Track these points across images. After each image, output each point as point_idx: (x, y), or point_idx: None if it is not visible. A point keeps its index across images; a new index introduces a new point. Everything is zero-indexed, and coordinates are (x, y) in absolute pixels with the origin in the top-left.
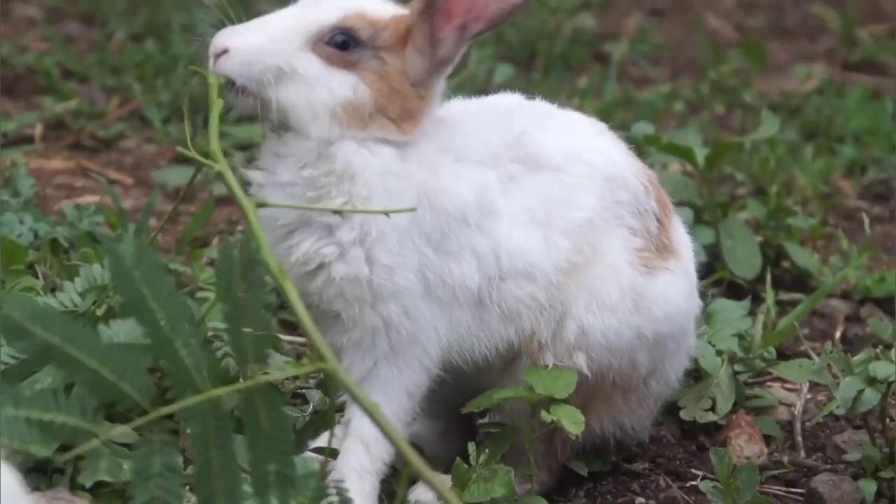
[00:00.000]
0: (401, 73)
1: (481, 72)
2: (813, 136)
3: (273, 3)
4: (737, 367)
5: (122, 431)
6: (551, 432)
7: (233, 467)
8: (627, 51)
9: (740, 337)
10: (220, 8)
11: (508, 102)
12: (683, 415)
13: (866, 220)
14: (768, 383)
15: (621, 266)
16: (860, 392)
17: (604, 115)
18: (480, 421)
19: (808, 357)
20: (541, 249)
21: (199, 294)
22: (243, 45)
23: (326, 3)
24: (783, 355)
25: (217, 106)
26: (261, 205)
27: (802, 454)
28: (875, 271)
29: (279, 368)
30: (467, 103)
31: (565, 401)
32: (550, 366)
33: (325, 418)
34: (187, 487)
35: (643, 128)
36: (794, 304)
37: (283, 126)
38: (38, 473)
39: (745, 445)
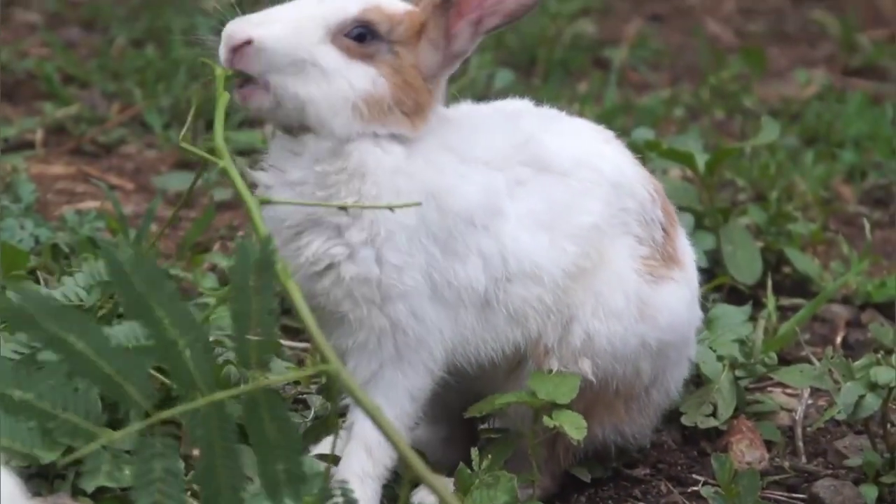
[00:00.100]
0: (414, 68)
1: (481, 77)
2: (813, 141)
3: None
4: (738, 373)
5: (125, 434)
6: (554, 438)
7: (236, 469)
8: (627, 56)
9: (741, 342)
10: (220, 14)
11: (516, 107)
12: (684, 420)
13: (867, 226)
14: (769, 388)
15: (627, 273)
16: (861, 397)
17: (604, 120)
18: (482, 426)
19: (809, 362)
20: (547, 252)
21: (200, 300)
22: (265, 36)
23: None
24: (784, 360)
25: (223, 99)
26: (265, 201)
27: (803, 459)
28: (876, 276)
29: (280, 373)
30: (475, 106)
31: (568, 407)
32: (555, 371)
33: (327, 423)
34: (188, 493)
35: (643, 133)
36: (794, 309)
37: (297, 123)
38: (39, 479)
39: (747, 451)
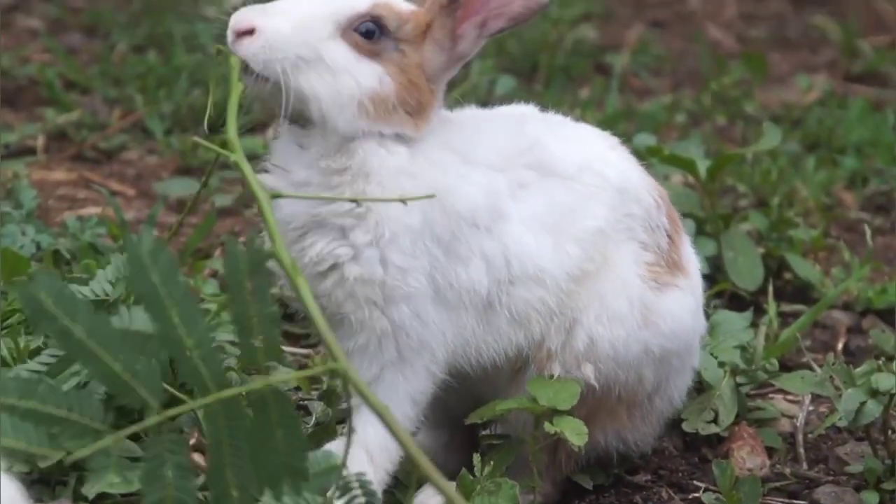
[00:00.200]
0: (419, 68)
1: (483, 83)
2: (814, 147)
3: None
4: (739, 379)
5: (133, 430)
6: (555, 445)
7: (244, 466)
8: (629, 62)
9: (742, 349)
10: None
11: (521, 112)
12: (686, 427)
13: (868, 232)
14: (770, 395)
15: (631, 278)
16: (862, 404)
17: (606, 126)
18: (483, 432)
19: (811, 369)
20: (551, 255)
21: (202, 306)
22: (271, 26)
23: None
24: (785, 367)
25: (237, 89)
26: (276, 195)
27: (805, 466)
28: (877, 283)
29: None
30: (479, 110)
31: (569, 413)
32: (557, 375)
33: (328, 429)
34: None
35: (645, 139)
36: (795, 315)
37: (300, 118)
38: (40, 484)
39: (748, 457)
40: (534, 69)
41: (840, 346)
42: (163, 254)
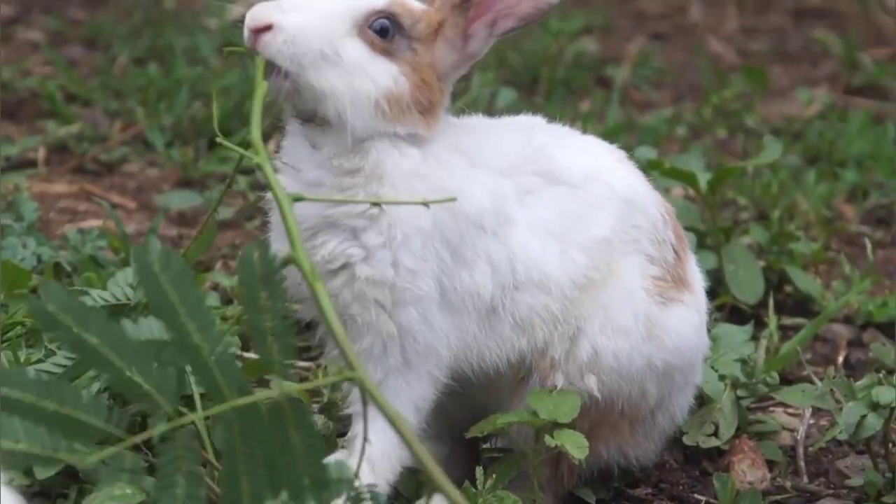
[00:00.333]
0: (430, 67)
1: (484, 95)
2: (815, 160)
3: None
4: (739, 392)
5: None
6: (557, 458)
7: (259, 473)
8: (630, 75)
9: (743, 362)
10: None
11: (528, 122)
12: (686, 440)
13: (868, 245)
14: (771, 408)
15: (637, 291)
16: (863, 417)
17: (606, 139)
18: (484, 446)
19: (811, 382)
20: (557, 261)
21: None
22: (291, 21)
23: None
24: (786, 380)
25: (262, 87)
26: (298, 198)
27: (805, 479)
28: (877, 296)
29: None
30: (486, 119)
31: (571, 426)
32: (560, 386)
33: (329, 442)
34: None
35: (646, 152)
36: (796, 328)
37: (315, 116)
38: (41, 497)
39: (748, 470)
40: (534, 82)
41: (840, 359)
42: (173, 260)
